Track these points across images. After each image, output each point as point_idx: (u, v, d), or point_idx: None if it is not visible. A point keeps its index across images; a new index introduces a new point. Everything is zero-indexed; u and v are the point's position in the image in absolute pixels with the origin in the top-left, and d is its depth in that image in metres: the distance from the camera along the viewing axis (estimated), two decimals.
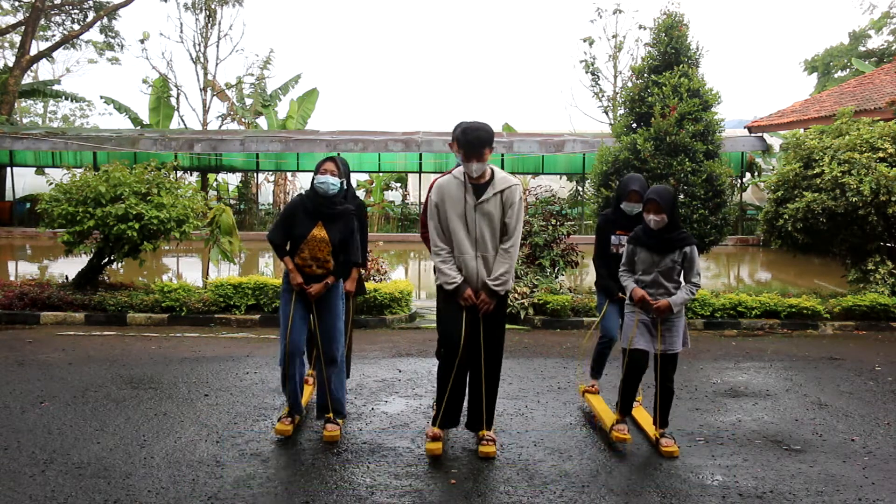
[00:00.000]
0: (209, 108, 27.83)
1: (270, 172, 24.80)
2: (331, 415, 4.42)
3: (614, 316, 4.80)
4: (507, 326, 8.02)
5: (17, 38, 27.09)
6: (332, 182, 4.28)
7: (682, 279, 4.22)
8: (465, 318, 4.06)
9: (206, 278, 11.06)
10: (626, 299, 4.35)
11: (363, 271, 8.97)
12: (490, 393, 4.17)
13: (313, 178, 4.35)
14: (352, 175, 4.90)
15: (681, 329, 4.23)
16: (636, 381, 4.31)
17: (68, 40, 26.82)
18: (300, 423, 4.59)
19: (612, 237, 4.81)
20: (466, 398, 4.30)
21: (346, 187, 4.98)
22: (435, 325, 8.11)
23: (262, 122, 27.42)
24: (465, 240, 4.02)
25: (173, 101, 26.49)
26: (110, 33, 28.16)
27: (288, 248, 4.40)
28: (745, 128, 21.17)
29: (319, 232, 4.30)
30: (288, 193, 24.94)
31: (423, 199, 22.10)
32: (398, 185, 24.67)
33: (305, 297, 4.36)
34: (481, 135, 3.92)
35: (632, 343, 4.22)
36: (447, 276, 4.03)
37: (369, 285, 8.35)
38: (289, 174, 25.02)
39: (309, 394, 4.94)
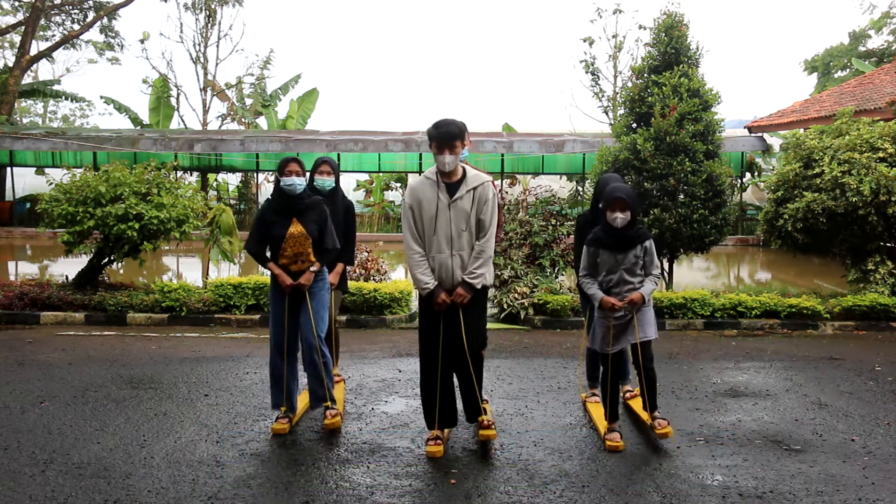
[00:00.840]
0: (209, 108, 27.84)
1: (270, 172, 24.77)
2: (328, 403, 4.51)
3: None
4: (508, 326, 8.10)
5: (17, 38, 27.09)
6: (298, 182, 4.42)
7: (643, 273, 4.33)
8: (441, 329, 4.11)
9: (206, 278, 11.06)
10: (596, 306, 4.40)
11: (354, 270, 9.03)
12: (476, 380, 4.18)
13: (278, 180, 4.45)
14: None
15: (651, 318, 4.36)
16: (616, 384, 4.43)
17: (68, 40, 26.81)
18: (297, 422, 4.61)
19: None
20: (459, 397, 4.34)
21: (336, 184, 5.05)
22: None
23: (262, 122, 27.42)
24: (440, 239, 4.06)
25: (173, 101, 26.49)
26: (110, 33, 28.16)
27: (269, 254, 4.51)
28: (745, 128, 21.15)
29: (296, 228, 4.41)
30: None
31: None
32: (398, 185, 24.66)
33: (295, 296, 4.45)
34: (451, 128, 4.04)
35: (611, 348, 4.33)
36: (420, 281, 4.08)
37: (369, 285, 8.35)
38: None
39: (304, 403, 4.87)
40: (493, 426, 4.17)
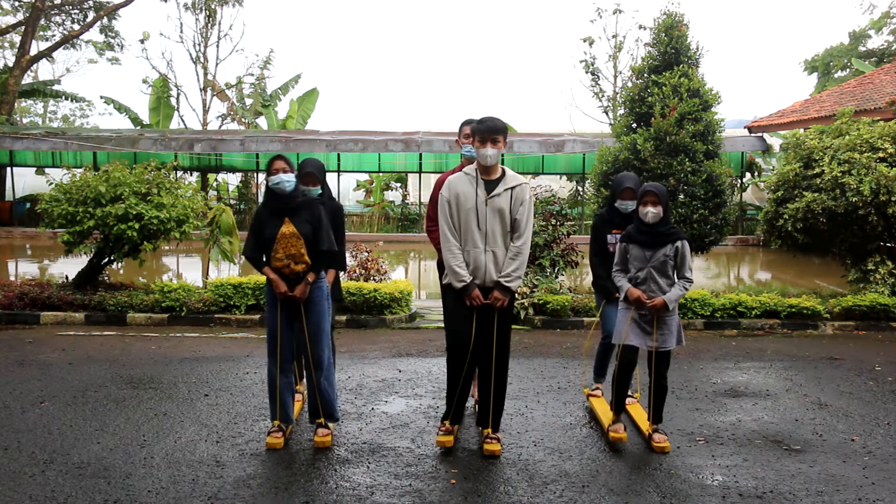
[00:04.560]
0: (209, 108, 27.81)
1: None
2: (322, 419, 4.31)
3: (613, 315, 4.82)
4: None
5: (17, 38, 27.07)
6: (286, 179, 4.23)
7: (674, 275, 4.26)
8: (475, 318, 4.11)
9: (206, 278, 11.06)
10: (620, 298, 4.38)
11: (353, 269, 9.00)
12: (498, 393, 4.19)
13: (267, 181, 4.28)
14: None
15: (674, 327, 4.27)
16: (628, 377, 4.38)
17: (68, 40, 26.79)
18: (293, 431, 4.52)
19: (609, 236, 4.83)
20: (476, 395, 4.35)
21: (321, 191, 4.82)
22: (435, 325, 8.14)
23: (262, 122, 27.41)
24: (475, 234, 4.08)
25: (173, 101, 26.47)
26: (110, 33, 28.13)
27: (264, 257, 4.30)
28: (745, 128, 21.15)
29: (288, 228, 4.22)
30: None
31: (423, 199, 22.14)
32: (398, 185, 24.67)
33: (291, 303, 4.25)
34: (496, 123, 4.13)
35: (625, 339, 4.29)
36: (457, 275, 4.08)
37: (369, 285, 8.35)
38: None
39: (298, 409, 4.78)
40: (498, 442, 4.17)
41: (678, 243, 4.21)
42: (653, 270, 4.21)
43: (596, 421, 4.73)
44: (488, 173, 4.14)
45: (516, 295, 8.28)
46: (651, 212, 4.17)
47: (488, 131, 4.06)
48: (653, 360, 4.28)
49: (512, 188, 4.10)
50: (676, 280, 4.24)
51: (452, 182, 4.18)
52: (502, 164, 4.29)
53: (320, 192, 4.84)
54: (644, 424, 4.47)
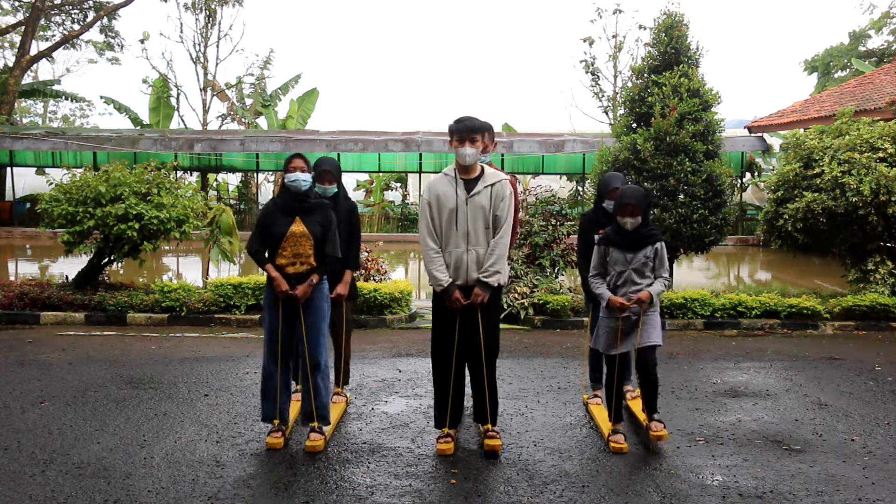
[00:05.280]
0: (209, 108, 27.82)
1: (270, 172, 24.78)
2: (316, 423, 4.25)
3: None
4: (508, 326, 8.10)
5: (17, 38, 27.07)
6: (303, 178, 4.21)
7: (652, 275, 4.30)
8: (456, 325, 4.11)
9: (206, 278, 11.06)
10: (602, 306, 4.38)
11: (356, 273, 8.97)
12: (489, 387, 4.18)
13: (283, 177, 4.25)
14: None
15: (657, 322, 4.32)
16: (620, 384, 4.41)
17: (68, 40, 26.80)
18: (293, 431, 4.48)
19: (596, 236, 4.83)
20: (469, 395, 4.36)
21: (337, 189, 4.83)
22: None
23: (262, 122, 27.41)
24: (456, 234, 4.07)
25: (173, 101, 26.47)
26: (110, 33, 28.13)
27: (268, 255, 4.27)
28: (745, 128, 21.15)
29: (298, 227, 4.20)
30: None
31: None
32: (398, 185, 24.67)
33: (291, 302, 4.22)
34: (474, 121, 4.13)
35: (617, 349, 4.31)
36: (435, 278, 4.09)
37: (369, 285, 8.35)
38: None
39: (297, 410, 4.70)
40: (498, 436, 4.16)
41: (657, 245, 4.27)
42: (633, 272, 4.26)
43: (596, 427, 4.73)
44: (467, 172, 4.13)
45: (516, 294, 8.36)
46: (630, 221, 4.20)
47: (466, 130, 4.07)
48: (639, 357, 4.30)
49: (492, 185, 4.10)
50: (656, 278, 4.28)
51: (432, 184, 4.19)
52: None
53: (336, 190, 4.84)
54: (642, 416, 4.52)
